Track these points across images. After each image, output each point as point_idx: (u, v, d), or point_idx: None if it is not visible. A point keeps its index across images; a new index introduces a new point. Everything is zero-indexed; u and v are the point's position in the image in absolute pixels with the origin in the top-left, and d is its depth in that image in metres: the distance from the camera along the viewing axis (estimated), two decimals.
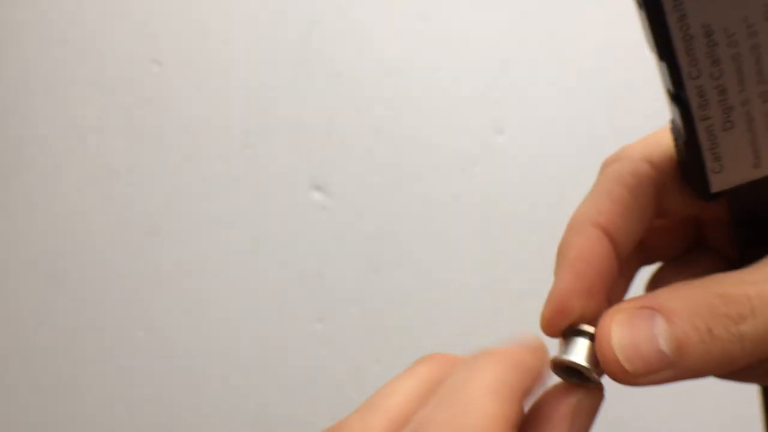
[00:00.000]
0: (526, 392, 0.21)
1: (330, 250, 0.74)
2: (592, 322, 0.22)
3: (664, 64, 0.19)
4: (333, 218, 0.74)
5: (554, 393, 0.22)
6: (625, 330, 0.20)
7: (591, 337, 0.22)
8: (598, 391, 0.22)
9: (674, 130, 0.22)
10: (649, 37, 0.19)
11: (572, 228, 0.23)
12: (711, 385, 0.76)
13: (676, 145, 0.22)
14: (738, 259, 0.25)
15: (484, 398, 0.19)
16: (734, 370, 0.21)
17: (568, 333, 0.22)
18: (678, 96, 0.19)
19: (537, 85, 0.73)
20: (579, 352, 0.22)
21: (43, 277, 0.76)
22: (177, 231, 0.75)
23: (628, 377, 0.21)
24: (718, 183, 0.21)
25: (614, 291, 0.25)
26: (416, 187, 0.73)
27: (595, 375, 0.22)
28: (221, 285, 0.75)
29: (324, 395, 0.74)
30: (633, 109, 0.71)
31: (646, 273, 0.28)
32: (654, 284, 0.27)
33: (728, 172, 0.21)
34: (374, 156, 0.74)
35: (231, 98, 0.75)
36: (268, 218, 0.74)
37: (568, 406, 0.22)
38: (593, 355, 0.22)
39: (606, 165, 0.25)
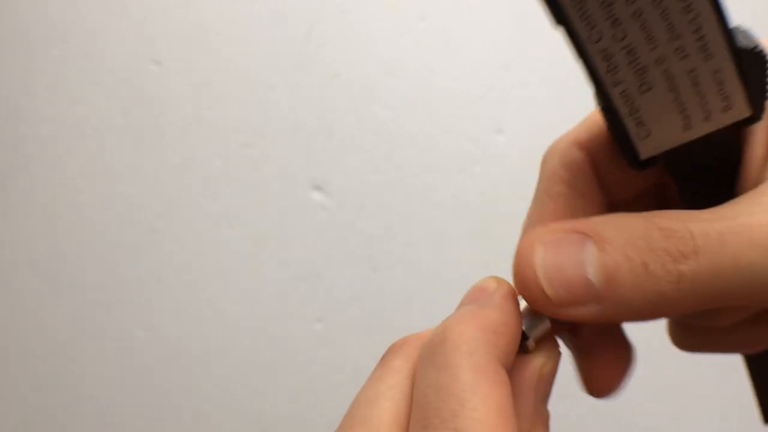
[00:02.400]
0: (508, 356, 0.19)
1: (330, 250, 0.74)
2: None
3: (561, 29, 0.18)
4: (333, 218, 0.74)
5: (515, 363, 0.20)
6: (550, 250, 0.18)
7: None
8: (557, 352, 0.21)
9: (596, 101, 0.20)
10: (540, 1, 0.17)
11: (523, 231, 0.23)
12: (711, 385, 0.77)
13: (603, 118, 0.20)
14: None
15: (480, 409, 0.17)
16: (668, 315, 0.19)
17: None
18: (584, 61, 0.18)
19: (537, 86, 0.73)
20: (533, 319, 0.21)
21: (43, 277, 0.76)
22: (177, 231, 0.75)
23: (548, 304, 0.19)
24: (648, 149, 0.19)
25: None
26: (416, 187, 0.73)
27: (532, 342, 0.21)
28: (221, 285, 0.75)
29: (324, 395, 0.74)
30: None
31: None
32: None
33: (657, 137, 0.19)
34: (374, 156, 0.74)
35: (231, 98, 0.75)
36: (268, 218, 0.74)
37: (531, 377, 0.20)
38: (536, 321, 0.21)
39: (542, 163, 0.24)
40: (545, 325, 0.21)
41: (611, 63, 0.18)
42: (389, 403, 0.19)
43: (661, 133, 0.19)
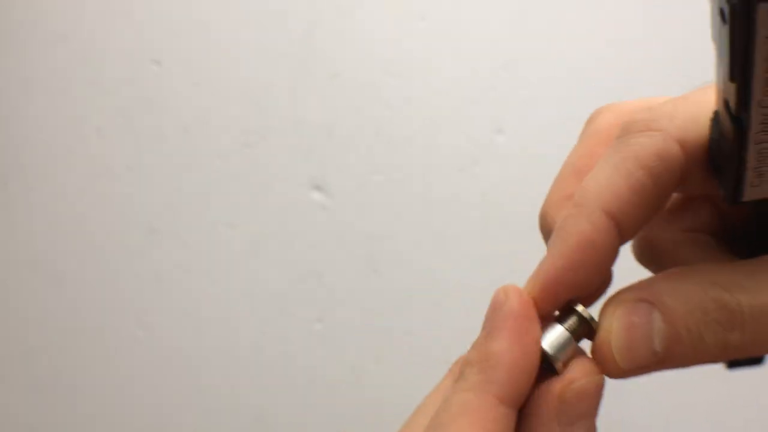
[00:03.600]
0: (508, 386, 0.20)
1: (330, 250, 0.74)
2: (583, 300, 0.22)
3: (733, 85, 0.17)
4: (333, 218, 0.74)
5: (543, 387, 0.21)
6: (623, 330, 0.20)
7: (579, 319, 0.21)
8: (590, 370, 0.21)
9: (717, 129, 0.20)
10: (726, 52, 0.17)
11: (583, 206, 0.21)
12: (710, 385, 0.76)
13: (713, 143, 0.20)
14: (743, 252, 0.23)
15: None
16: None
17: (564, 311, 0.22)
18: (739, 119, 0.18)
19: (537, 85, 0.73)
20: (559, 339, 0.21)
21: (43, 277, 0.76)
22: (177, 231, 0.75)
23: (618, 374, 0.21)
24: (751, 194, 0.20)
25: None
26: (416, 187, 0.73)
27: (560, 364, 0.21)
28: (221, 285, 0.75)
29: (323, 395, 0.74)
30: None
31: None
32: (647, 239, 0.25)
33: (765, 187, 0.20)
34: (374, 156, 0.74)
35: (231, 98, 0.75)
36: (268, 218, 0.74)
37: (550, 401, 0.21)
38: (569, 344, 0.21)
39: (631, 130, 0.21)
40: (573, 345, 0.21)
41: (766, 125, 0.18)
42: (425, 420, 0.21)
43: None
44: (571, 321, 0.22)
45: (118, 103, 0.76)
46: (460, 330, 0.72)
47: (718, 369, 0.74)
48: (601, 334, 0.21)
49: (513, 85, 0.73)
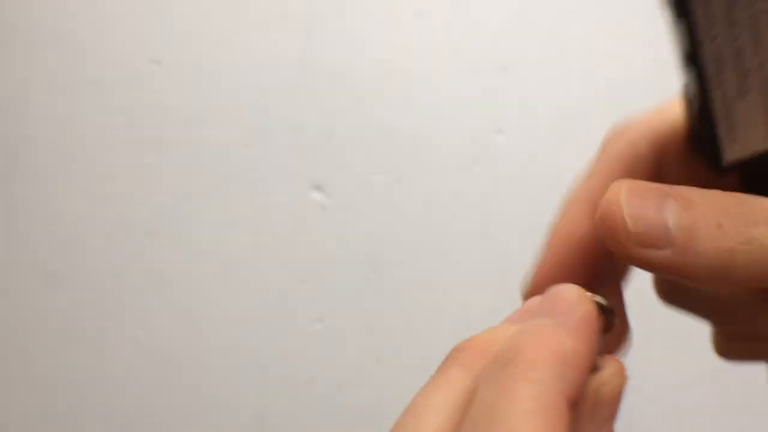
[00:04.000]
0: (576, 389, 0.18)
1: (330, 250, 0.74)
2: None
3: (681, 22, 0.18)
4: (333, 218, 0.74)
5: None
6: (635, 195, 0.20)
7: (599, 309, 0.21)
8: (620, 371, 0.20)
9: (687, 98, 0.21)
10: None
11: (566, 204, 0.23)
12: (710, 385, 0.76)
13: (688, 115, 0.21)
14: None
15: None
16: (732, 283, 0.19)
17: None
18: (694, 58, 0.19)
19: (537, 85, 0.73)
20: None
21: (43, 277, 0.76)
22: (177, 231, 0.75)
23: (628, 241, 0.19)
24: (731, 154, 0.20)
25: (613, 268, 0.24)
26: (416, 187, 0.73)
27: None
28: (221, 285, 0.75)
29: (324, 395, 0.74)
30: (633, 109, 0.71)
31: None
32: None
33: (742, 142, 0.20)
34: (374, 156, 0.74)
35: (231, 98, 0.75)
36: (268, 218, 0.74)
37: (587, 402, 0.19)
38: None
39: (608, 143, 0.24)
40: (602, 342, 0.21)
41: (720, 62, 0.18)
42: (436, 419, 0.19)
43: (748, 139, 0.20)
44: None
45: (118, 103, 0.76)
46: (460, 330, 0.72)
47: (718, 371, 0.74)
48: (610, 204, 0.20)
49: (513, 85, 0.73)
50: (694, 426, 0.72)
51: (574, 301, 0.20)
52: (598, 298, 0.21)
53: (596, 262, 0.22)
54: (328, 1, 0.74)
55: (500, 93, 0.73)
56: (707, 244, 0.19)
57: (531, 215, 0.74)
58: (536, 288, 0.22)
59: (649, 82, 0.71)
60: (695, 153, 0.21)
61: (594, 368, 0.20)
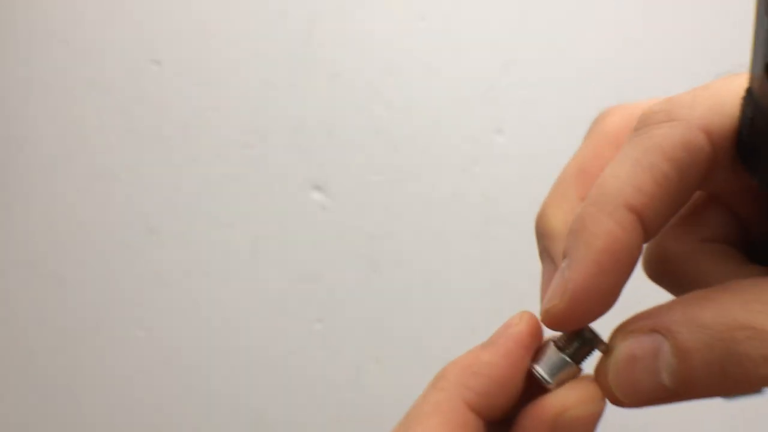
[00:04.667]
0: (484, 397, 0.20)
1: (330, 250, 0.74)
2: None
3: None
4: (333, 218, 0.74)
5: (535, 404, 0.20)
6: (623, 363, 0.19)
7: (583, 340, 0.21)
8: (590, 398, 0.20)
9: (751, 107, 0.18)
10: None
11: (602, 203, 0.19)
12: None
13: (745, 125, 0.18)
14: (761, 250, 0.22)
15: None
16: None
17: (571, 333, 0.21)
18: None
19: (537, 85, 0.73)
20: (555, 362, 0.21)
21: (43, 277, 0.76)
22: (177, 231, 0.75)
23: (621, 405, 0.19)
24: None
25: None
26: (416, 187, 0.73)
27: (553, 385, 0.21)
28: (221, 285, 0.75)
29: (323, 395, 0.74)
30: None
31: None
32: (660, 252, 0.23)
33: None
34: (374, 156, 0.74)
35: (231, 98, 0.75)
36: (268, 218, 0.74)
37: (536, 419, 0.20)
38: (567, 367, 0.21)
39: (650, 122, 0.20)
40: (572, 370, 0.21)
41: None
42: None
43: None
44: (576, 343, 0.21)
45: (118, 103, 0.76)
46: (460, 330, 0.72)
47: None
48: (600, 365, 0.19)
49: (513, 85, 0.73)
50: (694, 426, 0.72)
51: (512, 324, 0.22)
52: (586, 330, 0.21)
53: (633, 265, 0.20)
54: (329, 1, 0.74)
55: (500, 93, 0.73)
56: (709, 389, 0.18)
57: (531, 215, 0.74)
58: (572, 309, 0.19)
59: (649, 81, 0.71)
60: (743, 161, 0.19)
61: (553, 386, 0.21)
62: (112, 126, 0.76)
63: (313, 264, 0.74)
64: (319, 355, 0.74)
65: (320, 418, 0.74)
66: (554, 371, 0.21)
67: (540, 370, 0.21)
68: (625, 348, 0.19)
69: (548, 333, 0.22)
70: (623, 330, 0.19)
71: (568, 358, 0.21)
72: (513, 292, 0.71)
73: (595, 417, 0.20)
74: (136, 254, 0.75)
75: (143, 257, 0.75)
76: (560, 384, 0.21)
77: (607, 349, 0.20)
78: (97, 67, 0.76)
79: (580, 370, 0.21)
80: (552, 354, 0.21)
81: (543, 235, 0.24)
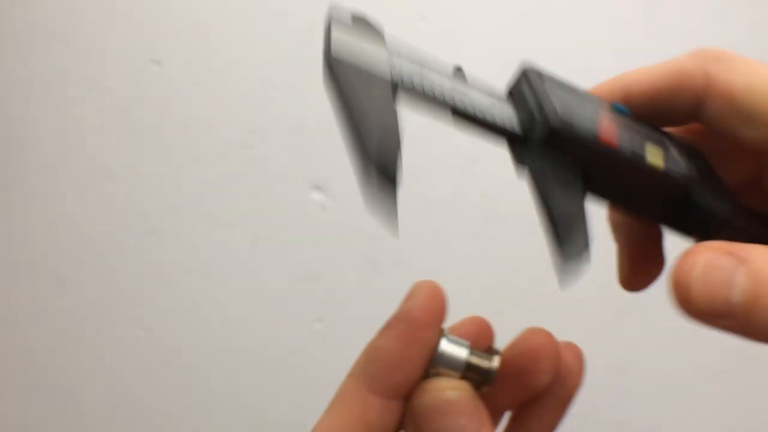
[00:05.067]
0: (381, 380, 0.22)
1: (330, 250, 0.74)
2: None
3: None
4: (333, 218, 0.74)
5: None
6: (709, 272, 0.20)
7: (484, 352, 0.23)
8: (464, 386, 0.22)
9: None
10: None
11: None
12: (709, 386, 0.76)
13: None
14: None
15: None
16: None
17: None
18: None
19: None
20: (454, 353, 0.23)
21: (43, 277, 0.76)
22: (177, 231, 0.75)
23: (694, 311, 0.21)
24: None
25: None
26: (416, 187, 0.73)
27: (436, 370, 0.22)
28: (221, 285, 0.75)
29: (323, 395, 0.74)
30: None
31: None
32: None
33: None
34: None
35: (231, 98, 0.75)
36: (268, 218, 0.74)
37: (413, 404, 0.22)
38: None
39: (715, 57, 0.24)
40: (462, 363, 0.23)
41: None
42: None
43: None
44: (484, 357, 0.23)
45: (118, 103, 0.76)
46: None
47: (718, 372, 0.74)
48: (683, 275, 0.21)
49: None
50: (694, 426, 0.72)
51: (409, 296, 0.24)
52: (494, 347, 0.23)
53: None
54: (329, 1, 0.74)
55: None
56: (765, 317, 0.20)
57: (531, 215, 0.74)
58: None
59: None
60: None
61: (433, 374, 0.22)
62: (112, 126, 0.76)
63: (313, 264, 0.74)
64: (319, 355, 0.74)
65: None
66: (444, 364, 0.22)
67: (439, 357, 0.22)
68: (707, 259, 0.20)
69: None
70: (700, 247, 0.21)
71: (465, 362, 0.23)
72: (513, 292, 0.71)
73: (448, 405, 0.21)
74: (136, 254, 0.75)
75: (143, 257, 0.75)
76: (443, 371, 0.22)
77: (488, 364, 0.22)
78: (97, 67, 0.76)
79: (463, 372, 0.23)
80: (460, 353, 0.23)
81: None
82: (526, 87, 0.23)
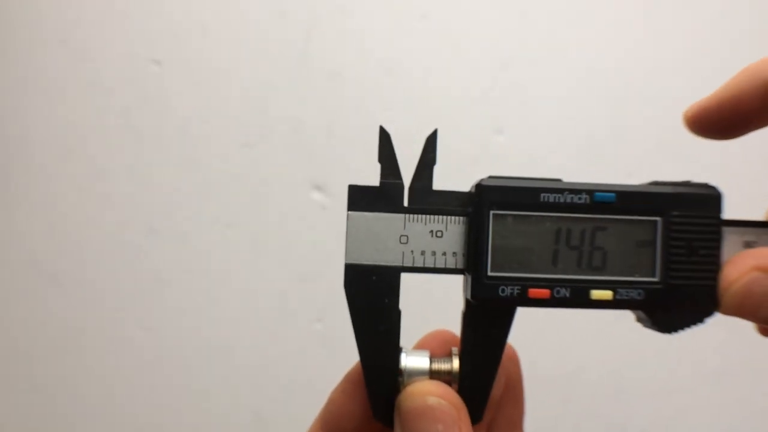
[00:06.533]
0: (331, 422, 0.28)
1: (330, 250, 0.73)
2: None
3: None
4: (333, 218, 0.74)
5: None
6: (744, 285, 0.23)
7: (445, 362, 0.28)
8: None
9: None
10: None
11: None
12: (709, 387, 0.76)
13: None
14: None
15: None
16: None
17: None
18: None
19: (537, 85, 0.73)
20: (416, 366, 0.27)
21: (43, 277, 0.76)
22: (177, 231, 0.75)
23: (759, 319, 0.24)
24: None
25: None
26: None
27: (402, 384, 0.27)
28: (221, 285, 0.75)
29: (323, 395, 0.74)
30: (632, 110, 0.71)
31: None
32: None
33: None
34: (374, 156, 0.74)
35: (231, 98, 0.75)
36: (268, 218, 0.74)
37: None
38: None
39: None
40: (423, 368, 0.28)
41: None
42: None
43: None
44: (444, 359, 0.27)
45: (118, 103, 0.76)
46: (460, 330, 0.72)
47: (716, 374, 0.74)
48: (725, 281, 0.24)
49: (513, 85, 0.73)
50: (693, 426, 0.72)
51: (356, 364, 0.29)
52: (454, 353, 0.28)
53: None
54: (328, 1, 0.74)
55: (500, 93, 0.73)
56: None
57: None
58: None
59: (649, 82, 0.71)
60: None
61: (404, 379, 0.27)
62: (112, 126, 0.76)
63: (313, 264, 0.74)
64: (319, 355, 0.74)
65: None
66: (410, 375, 0.27)
67: (404, 371, 0.27)
68: (749, 278, 0.23)
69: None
70: (750, 257, 0.24)
71: (427, 370, 0.27)
72: None
73: (425, 410, 0.25)
74: (136, 254, 0.75)
75: (143, 257, 0.75)
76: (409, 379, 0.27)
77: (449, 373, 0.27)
78: (97, 67, 0.76)
79: (429, 378, 0.27)
80: (422, 363, 0.27)
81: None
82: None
